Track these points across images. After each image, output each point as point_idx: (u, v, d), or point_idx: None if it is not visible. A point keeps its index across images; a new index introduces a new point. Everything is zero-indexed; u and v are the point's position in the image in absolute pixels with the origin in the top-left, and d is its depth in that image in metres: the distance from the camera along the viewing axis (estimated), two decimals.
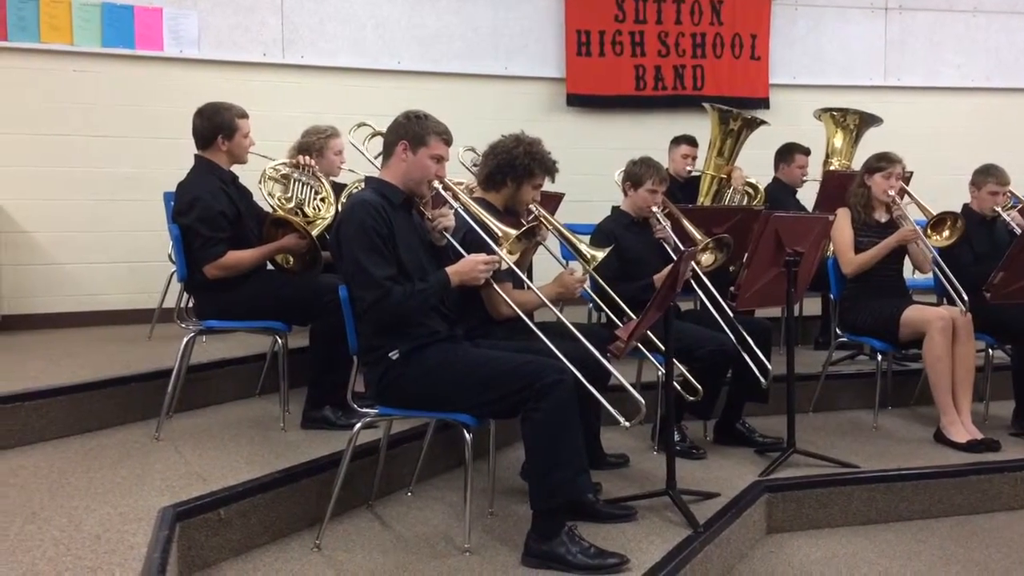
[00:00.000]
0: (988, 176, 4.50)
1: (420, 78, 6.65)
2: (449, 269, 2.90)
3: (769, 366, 3.83)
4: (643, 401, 2.90)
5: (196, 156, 3.75)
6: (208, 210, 3.56)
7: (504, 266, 3.01)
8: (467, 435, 2.81)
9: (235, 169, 3.80)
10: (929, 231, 4.31)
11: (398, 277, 2.81)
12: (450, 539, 2.94)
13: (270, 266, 3.81)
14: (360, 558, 2.81)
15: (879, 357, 4.41)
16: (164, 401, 3.56)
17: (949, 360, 4.04)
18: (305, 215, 3.96)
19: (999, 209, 4.48)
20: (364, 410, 2.94)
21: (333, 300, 3.01)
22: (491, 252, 2.97)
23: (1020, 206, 4.67)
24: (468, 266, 2.90)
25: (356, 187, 4.20)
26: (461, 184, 3.67)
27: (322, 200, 4.03)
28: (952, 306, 4.17)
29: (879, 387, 4.45)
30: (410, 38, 6.70)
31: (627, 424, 2.82)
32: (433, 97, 5.87)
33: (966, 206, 4.60)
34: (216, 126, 3.69)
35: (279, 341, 3.66)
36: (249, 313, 3.63)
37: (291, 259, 3.81)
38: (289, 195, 3.98)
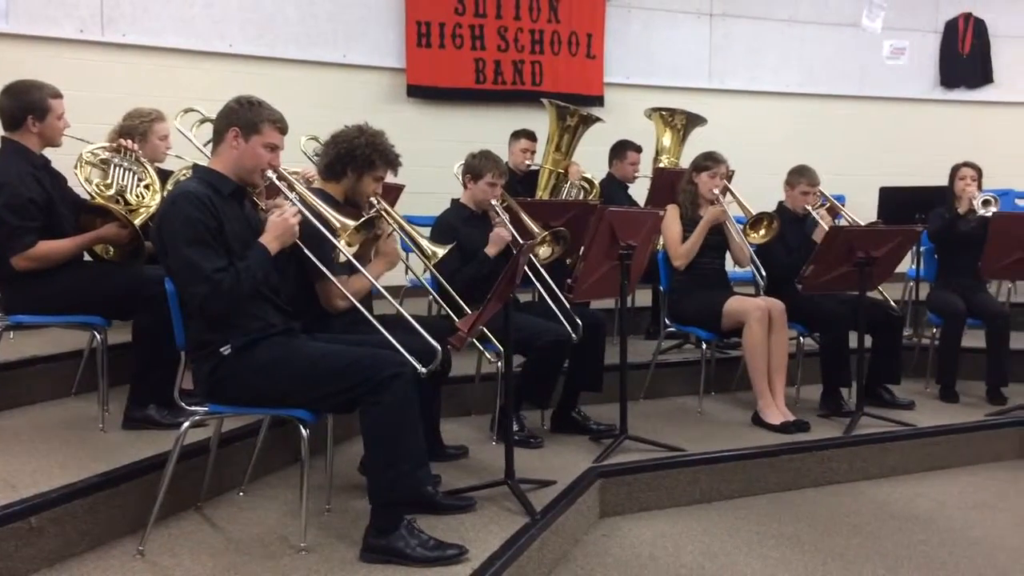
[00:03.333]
0: (801, 177, 4.83)
1: (253, 63, 6.43)
2: (261, 239, 2.79)
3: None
4: (439, 347, 2.88)
5: (3, 138, 3.46)
6: (16, 197, 3.29)
7: (342, 259, 2.96)
8: (303, 431, 2.75)
9: (47, 153, 3.54)
10: (748, 230, 4.58)
11: (229, 269, 2.70)
12: (285, 538, 2.86)
13: (88, 257, 3.57)
14: (188, 562, 2.69)
15: (703, 346, 4.66)
16: None
17: (765, 348, 4.32)
18: (127, 203, 3.73)
19: (810, 207, 4.82)
20: (192, 408, 2.81)
21: (158, 293, 2.85)
22: (329, 244, 2.91)
23: (828, 205, 5.04)
24: (278, 227, 2.79)
25: (184, 174, 4.00)
26: (296, 173, 3.57)
27: (146, 187, 3.81)
28: (768, 297, 4.46)
29: (703, 374, 4.70)
30: (243, 20, 6.46)
31: (423, 370, 2.78)
32: (267, 83, 5.70)
33: (781, 204, 4.92)
34: (26, 106, 3.41)
35: (97, 336, 3.43)
36: (64, 307, 3.39)
37: (111, 249, 3.59)
38: (109, 181, 3.73)
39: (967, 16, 8.84)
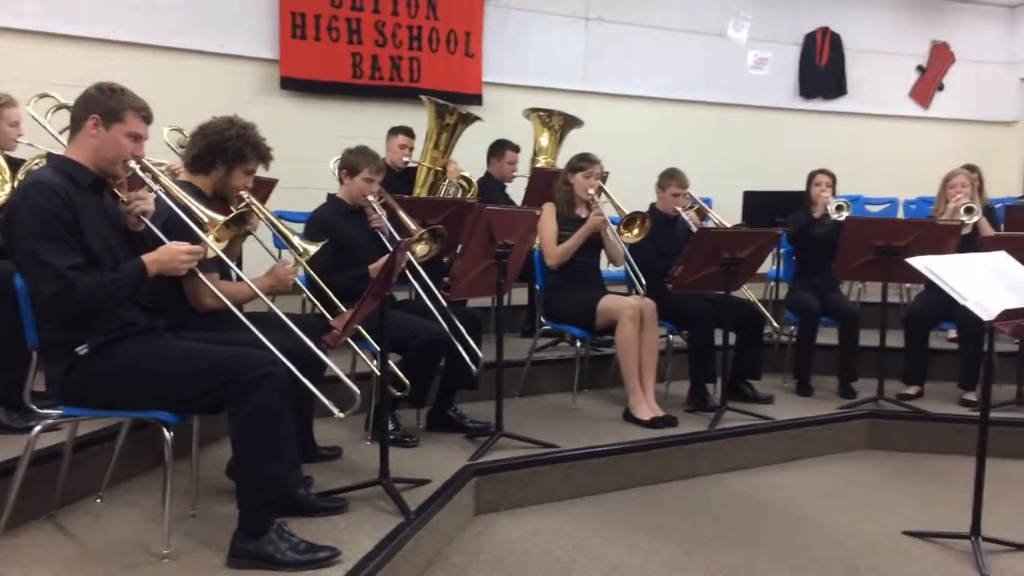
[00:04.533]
0: (671, 179, 4.99)
1: (114, 48, 6.13)
2: (146, 257, 2.68)
3: (480, 354, 3.98)
4: (358, 391, 2.90)
5: None
6: None
7: (211, 254, 2.86)
8: (166, 433, 2.64)
9: None
10: (622, 229, 4.70)
11: (84, 267, 2.56)
12: (146, 546, 2.75)
13: None
14: (39, 574, 2.54)
15: (578, 344, 4.74)
16: None
17: (636, 345, 4.44)
18: None
19: (680, 209, 4.99)
20: (45, 411, 2.66)
21: (6, 289, 2.68)
22: (196, 239, 2.80)
23: (697, 207, 5.23)
24: (168, 255, 2.71)
25: (37, 163, 3.76)
26: (162, 165, 3.42)
27: None
28: (640, 296, 4.59)
29: (577, 371, 4.79)
30: (101, 3, 6.13)
31: (341, 415, 2.81)
32: (131, 70, 5.44)
33: (652, 205, 5.07)
34: None
35: None
36: None
37: None
38: None
39: (824, 30, 9.37)
